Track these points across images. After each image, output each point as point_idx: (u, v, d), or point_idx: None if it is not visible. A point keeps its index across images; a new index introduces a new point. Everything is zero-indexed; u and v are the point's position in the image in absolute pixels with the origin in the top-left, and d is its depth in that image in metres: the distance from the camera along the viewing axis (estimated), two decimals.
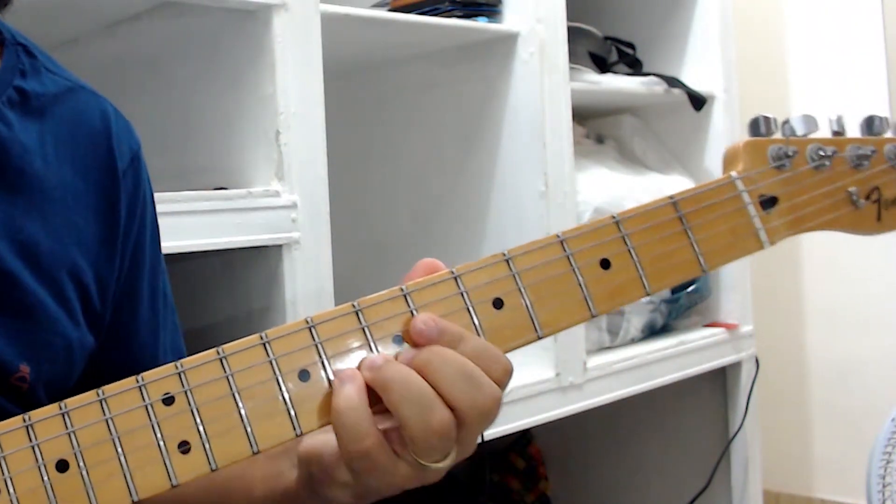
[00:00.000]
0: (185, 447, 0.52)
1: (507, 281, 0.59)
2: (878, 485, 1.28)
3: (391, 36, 1.50)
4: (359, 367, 0.55)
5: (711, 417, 1.91)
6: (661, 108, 1.91)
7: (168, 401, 0.53)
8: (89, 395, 0.52)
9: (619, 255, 0.61)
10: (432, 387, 0.54)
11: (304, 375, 0.54)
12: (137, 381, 0.53)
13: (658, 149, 1.91)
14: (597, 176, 1.70)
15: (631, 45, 1.92)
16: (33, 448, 0.51)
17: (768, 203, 0.65)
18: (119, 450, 0.52)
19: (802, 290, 2.29)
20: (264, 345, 0.54)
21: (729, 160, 0.66)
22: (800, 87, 2.26)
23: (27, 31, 0.73)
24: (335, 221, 1.24)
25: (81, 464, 0.51)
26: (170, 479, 0.52)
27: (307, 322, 0.55)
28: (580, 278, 0.60)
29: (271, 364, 0.54)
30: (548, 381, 1.49)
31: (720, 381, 1.89)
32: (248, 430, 0.53)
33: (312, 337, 0.55)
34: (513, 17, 1.52)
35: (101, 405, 0.52)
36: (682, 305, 1.80)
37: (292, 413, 0.54)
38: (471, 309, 0.58)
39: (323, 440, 0.58)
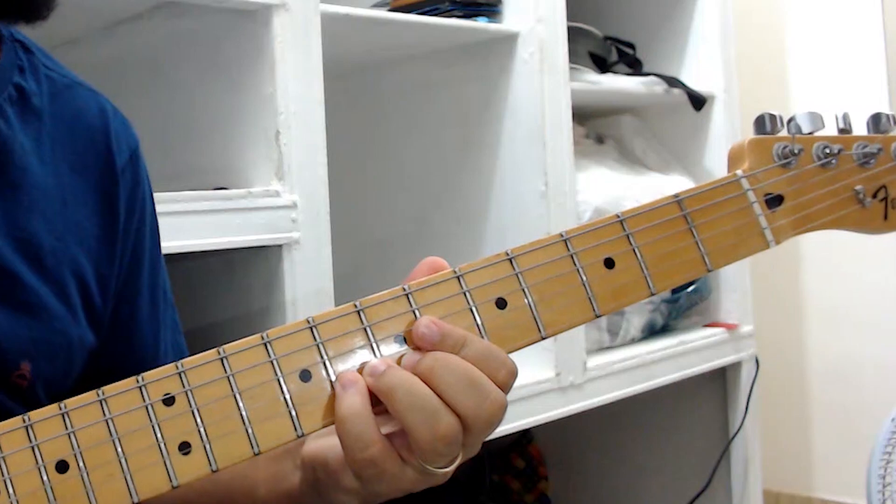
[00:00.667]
0: (185, 448, 0.52)
1: (510, 280, 0.58)
2: (878, 485, 1.28)
3: (391, 36, 1.49)
4: (360, 372, 0.54)
5: (711, 417, 1.91)
6: (661, 108, 1.91)
7: (168, 401, 0.52)
8: (89, 396, 0.52)
9: (623, 255, 0.60)
10: (437, 394, 0.53)
11: (305, 376, 0.54)
12: (138, 382, 0.52)
13: (658, 149, 1.91)
14: (597, 176, 1.70)
15: (631, 45, 1.91)
16: (33, 449, 0.51)
17: (774, 202, 0.64)
18: (119, 450, 0.51)
19: (802, 290, 2.28)
20: (265, 345, 0.54)
21: (734, 158, 0.65)
22: (800, 87, 2.26)
23: (27, 31, 0.72)
24: (335, 221, 1.23)
25: (81, 465, 0.51)
26: (170, 480, 0.51)
27: (308, 322, 0.55)
28: (584, 278, 0.59)
29: (272, 364, 0.54)
30: (548, 381, 1.49)
31: (720, 381, 1.89)
32: (249, 430, 0.53)
33: (314, 337, 0.54)
34: (513, 16, 1.51)
35: (101, 405, 0.52)
36: (682, 305, 1.80)
37: (293, 414, 0.53)
38: (473, 309, 0.57)
39: (327, 444, 0.58)
